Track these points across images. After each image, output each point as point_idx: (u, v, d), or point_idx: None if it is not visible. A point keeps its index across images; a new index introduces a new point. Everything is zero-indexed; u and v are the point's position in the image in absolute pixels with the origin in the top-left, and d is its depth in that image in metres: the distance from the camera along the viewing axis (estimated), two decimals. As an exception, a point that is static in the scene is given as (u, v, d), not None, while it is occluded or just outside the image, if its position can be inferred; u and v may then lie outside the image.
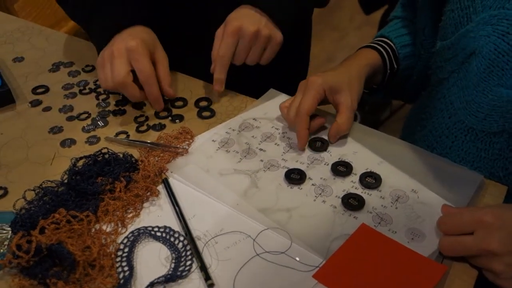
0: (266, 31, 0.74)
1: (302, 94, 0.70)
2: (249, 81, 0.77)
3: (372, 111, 1.92)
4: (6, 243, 0.57)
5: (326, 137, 0.71)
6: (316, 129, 0.72)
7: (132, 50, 0.73)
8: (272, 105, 0.78)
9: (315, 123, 0.72)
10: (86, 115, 0.78)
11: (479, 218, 0.52)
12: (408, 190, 0.63)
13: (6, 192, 0.65)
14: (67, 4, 0.87)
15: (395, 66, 0.82)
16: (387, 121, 1.97)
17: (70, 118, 0.78)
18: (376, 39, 0.85)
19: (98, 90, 0.84)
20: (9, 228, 0.58)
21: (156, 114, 0.78)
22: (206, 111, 0.78)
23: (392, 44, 0.83)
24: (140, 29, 0.77)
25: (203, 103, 0.80)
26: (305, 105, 0.69)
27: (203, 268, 0.54)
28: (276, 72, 0.82)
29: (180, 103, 0.80)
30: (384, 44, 0.82)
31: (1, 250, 0.56)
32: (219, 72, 0.76)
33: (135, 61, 0.73)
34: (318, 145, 0.70)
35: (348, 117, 0.70)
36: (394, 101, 1.93)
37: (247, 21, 0.74)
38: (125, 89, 0.73)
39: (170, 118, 0.77)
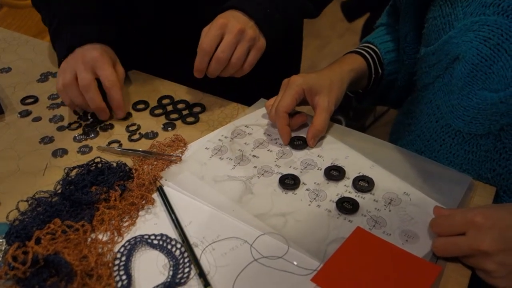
0: (252, 32, 0.75)
1: (283, 92, 0.73)
2: (241, 89, 0.78)
3: (357, 117, 1.94)
4: (0, 254, 0.56)
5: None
6: (297, 126, 0.75)
7: (96, 59, 0.76)
8: (263, 112, 0.79)
9: (296, 121, 0.74)
10: (77, 124, 0.78)
11: (470, 219, 0.54)
12: (400, 193, 0.64)
13: (-2, 204, 0.64)
14: (39, 9, 0.89)
15: (380, 71, 0.84)
16: (371, 126, 1.99)
17: (60, 128, 0.77)
18: (361, 45, 0.87)
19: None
20: (3, 240, 0.57)
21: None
22: (190, 117, 0.79)
23: (377, 50, 0.85)
24: (101, 44, 0.80)
25: (197, 109, 0.81)
26: (283, 103, 0.71)
27: (202, 275, 0.54)
28: (267, 80, 0.83)
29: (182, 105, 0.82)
30: (369, 50, 0.84)
31: (-4, 262, 0.55)
32: (199, 62, 0.74)
33: (100, 69, 0.76)
34: (298, 143, 0.72)
35: (324, 118, 0.71)
36: (378, 107, 1.96)
37: (233, 19, 0.74)
38: (89, 92, 0.75)
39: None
